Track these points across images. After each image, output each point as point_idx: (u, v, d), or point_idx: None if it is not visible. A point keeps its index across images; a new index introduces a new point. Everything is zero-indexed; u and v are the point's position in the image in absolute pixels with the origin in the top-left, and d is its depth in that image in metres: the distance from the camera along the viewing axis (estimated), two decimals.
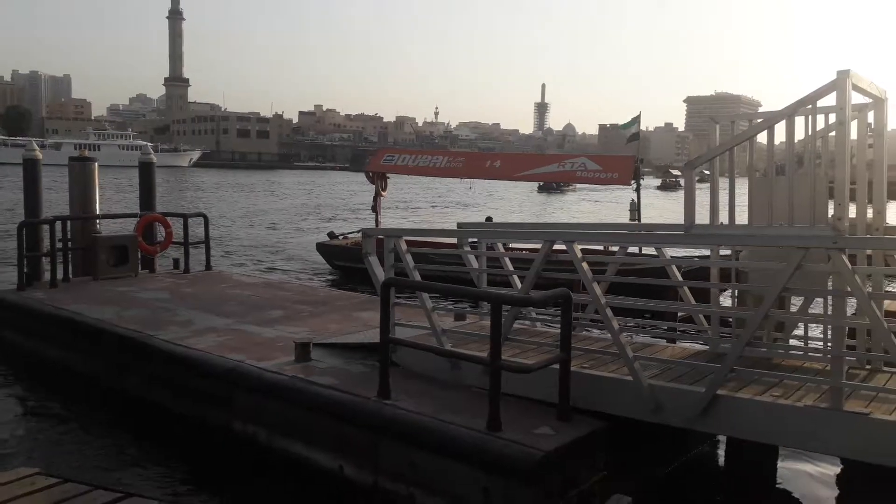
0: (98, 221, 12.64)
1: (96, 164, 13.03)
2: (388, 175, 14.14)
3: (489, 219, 14.85)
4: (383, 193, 14.12)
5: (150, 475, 6.38)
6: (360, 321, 8.97)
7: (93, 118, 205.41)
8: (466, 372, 6.30)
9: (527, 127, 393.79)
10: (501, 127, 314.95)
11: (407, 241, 7.10)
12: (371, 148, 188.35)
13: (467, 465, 5.05)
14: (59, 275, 11.42)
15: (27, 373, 9.46)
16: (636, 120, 20.54)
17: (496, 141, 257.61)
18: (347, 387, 6.28)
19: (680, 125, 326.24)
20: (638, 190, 16.78)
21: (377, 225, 13.52)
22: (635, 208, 18.08)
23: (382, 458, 5.61)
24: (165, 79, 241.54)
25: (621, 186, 12.40)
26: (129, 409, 7.99)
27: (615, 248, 7.52)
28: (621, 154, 16.82)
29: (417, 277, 6.92)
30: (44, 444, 7.13)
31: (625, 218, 22.18)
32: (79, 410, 8.09)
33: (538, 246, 6.44)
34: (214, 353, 7.46)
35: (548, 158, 12.65)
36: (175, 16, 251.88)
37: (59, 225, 11.62)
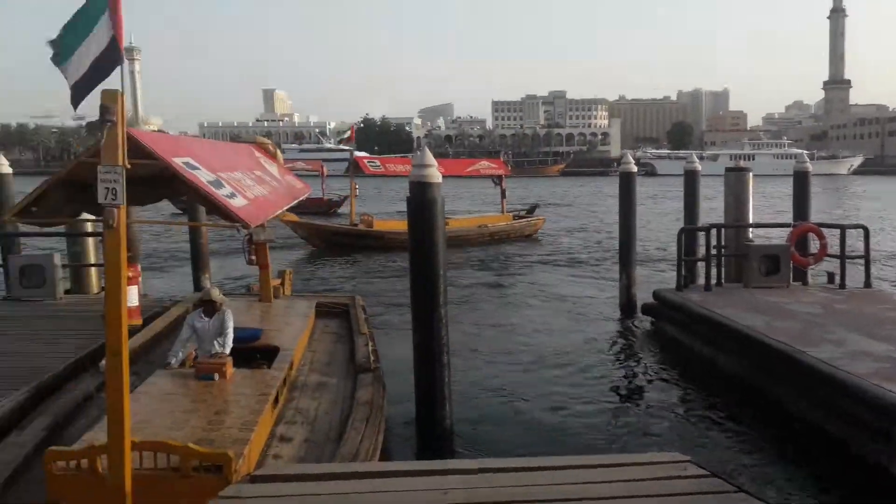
0: (750, 230, 12.98)
1: (750, 173, 13.39)
2: None
3: None
4: None
5: (789, 490, 6.22)
6: None
7: (748, 129, 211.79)
8: None
9: None
10: None
11: None
12: None
13: None
14: (713, 279, 12.15)
15: (683, 366, 10.41)
16: None
17: None
18: None
19: None
20: None
21: None
22: None
23: None
24: (824, 82, 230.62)
25: None
26: (769, 415, 7.98)
27: None
28: None
29: None
30: (692, 433, 7.73)
31: None
32: (723, 408, 8.48)
33: None
34: (870, 380, 6.77)
35: None
36: (837, 13, 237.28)
37: (714, 232, 12.35)
